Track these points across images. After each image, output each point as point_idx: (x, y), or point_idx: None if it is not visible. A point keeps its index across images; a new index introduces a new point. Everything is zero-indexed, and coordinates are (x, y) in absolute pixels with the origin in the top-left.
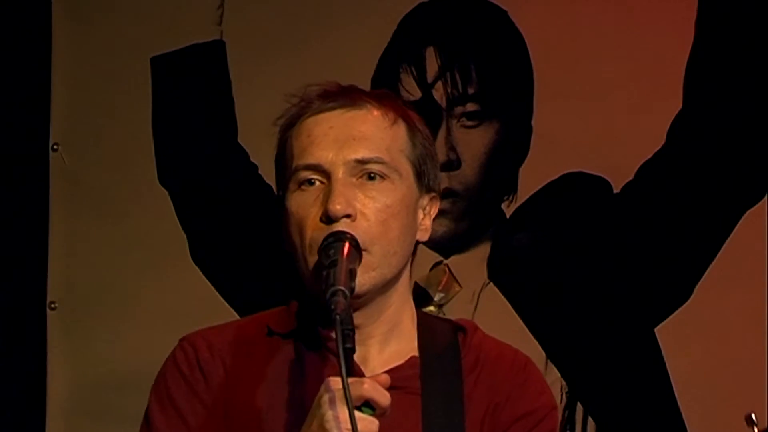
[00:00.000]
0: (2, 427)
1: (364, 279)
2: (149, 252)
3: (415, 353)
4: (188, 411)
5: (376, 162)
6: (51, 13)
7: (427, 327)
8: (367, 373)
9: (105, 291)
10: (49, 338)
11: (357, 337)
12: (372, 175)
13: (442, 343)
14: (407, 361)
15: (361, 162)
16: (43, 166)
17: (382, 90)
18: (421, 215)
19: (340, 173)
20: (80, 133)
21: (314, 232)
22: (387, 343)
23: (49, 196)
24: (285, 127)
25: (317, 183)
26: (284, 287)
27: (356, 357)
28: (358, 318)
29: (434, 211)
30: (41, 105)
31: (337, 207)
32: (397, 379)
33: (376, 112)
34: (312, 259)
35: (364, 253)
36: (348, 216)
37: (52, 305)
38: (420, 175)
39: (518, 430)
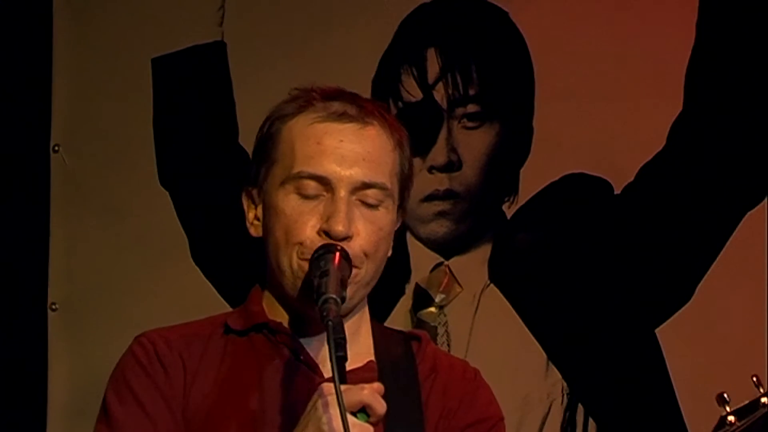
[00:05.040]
0: (3, 427)
1: (348, 292)
2: (150, 253)
3: (372, 358)
4: (149, 402)
5: (380, 188)
6: (52, 14)
7: (382, 335)
8: (324, 373)
9: (106, 292)
10: (50, 339)
11: (318, 338)
12: (371, 203)
13: (398, 350)
14: (365, 365)
15: (367, 185)
16: (43, 167)
17: (380, 102)
18: (393, 233)
19: (344, 192)
20: (81, 134)
21: (308, 240)
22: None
23: (50, 197)
24: (280, 117)
25: (318, 193)
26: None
27: (317, 358)
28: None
29: (397, 226)
30: (42, 106)
31: (340, 228)
32: (356, 380)
33: (382, 132)
34: (297, 263)
35: (353, 268)
36: (347, 237)
37: (53, 306)
38: (402, 198)
39: None
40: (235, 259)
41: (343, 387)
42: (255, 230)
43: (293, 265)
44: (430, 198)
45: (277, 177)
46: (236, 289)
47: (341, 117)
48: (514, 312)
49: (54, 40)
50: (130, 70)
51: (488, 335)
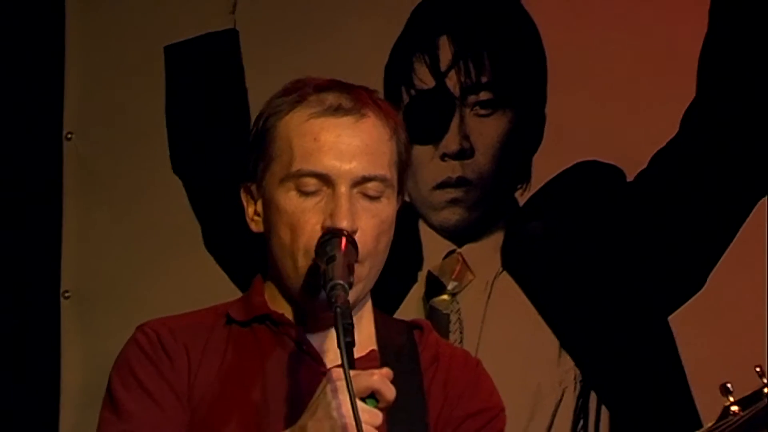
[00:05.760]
0: (17, 416)
1: (352, 293)
2: (162, 240)
3: (374, 347)
4: (156, 390)
5: (380, 180)
6: (64, 2)
7: (384, 324)
8: (328, 364)
9: (118, 280)
10: (63, 327)
11: (321, 329)
12: (372, 195)
13: (400, 339)
14: (367, 354)
15: (367, 178)
16: (56, 154)
17: (373, 90)
18: (394, 222)
19: (344, 187)
20: (94, 122)
21: (312, 238)
22: None
23: (63, 185)
24: (275, 113)
25: (318, 189)
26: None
27: (320, 349)
28: (324, 312)
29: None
30: (55, 94)
31: (344, 224)
32: (358, 369)
33: (378, 122)
34: (303, 262)
35: (357, 265)
36: (352, 232)
37: (66, 294)
38: (401, 185)
39: (471, 426)
40: (248, 246)
41: (352, 373)
42: (255, 226)
43: (298, 265)
44: (442, 185)
45: (276, 174)
46: (249, 277)
47: (337, 111)
48: (526, 299)
49: (66, 27)
50: (143, 58)
51: (501, 323)
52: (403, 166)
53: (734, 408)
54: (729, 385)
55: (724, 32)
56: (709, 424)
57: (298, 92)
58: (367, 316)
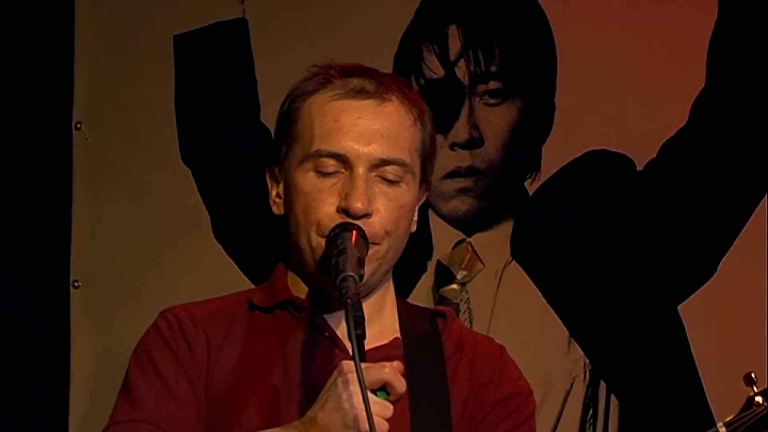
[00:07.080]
0: (27, 404)
1: (368, 269)
2: (172, 230)
3: (398, 335)
4: (170, 377)
5: (399, 164)
6: None
7: (407, 311)
8: (350, 351)
9: (128, 269)
10: (73, 317)
11: (342, 315)
12: (391, 179)
13: (423, 327)
14: (391, 342)
15: (385, 161)
16: (66, 144)
17: (401, 78)
18: (415, 209)
19: (362, 169)
20: (103, 112)
21: (327, 219)
22: (370, 323)
23: (72, 175)
24: (300, 95)
25: (336, 171)
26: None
27: (341, 335)
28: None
29: (421, 202)
30: (64, 83)
31: (359, 206)
32: (381, 357)
33: (401, 107)
34: (317, 240)
35: (373, 246)
36: (366, 215)
37: (76, 284)
38: (424, 174)
39: (502, 411)
40: (258, 236)
41: (363, 365)
42: (277, 208)
43: (312, 242)
44: (452, 175)
45: (296, 155)
46: (258, 267)
47: (359, 94)
48: (536, 289)
49: (76, 17)
50: (152, 48)
51: (510, 312)
52: (428, 155)
53: (758, 399)
54: (753, 375)
55: (734, 20)
56: (734, 414)
57: (323, 75)
58: (390, 304)
